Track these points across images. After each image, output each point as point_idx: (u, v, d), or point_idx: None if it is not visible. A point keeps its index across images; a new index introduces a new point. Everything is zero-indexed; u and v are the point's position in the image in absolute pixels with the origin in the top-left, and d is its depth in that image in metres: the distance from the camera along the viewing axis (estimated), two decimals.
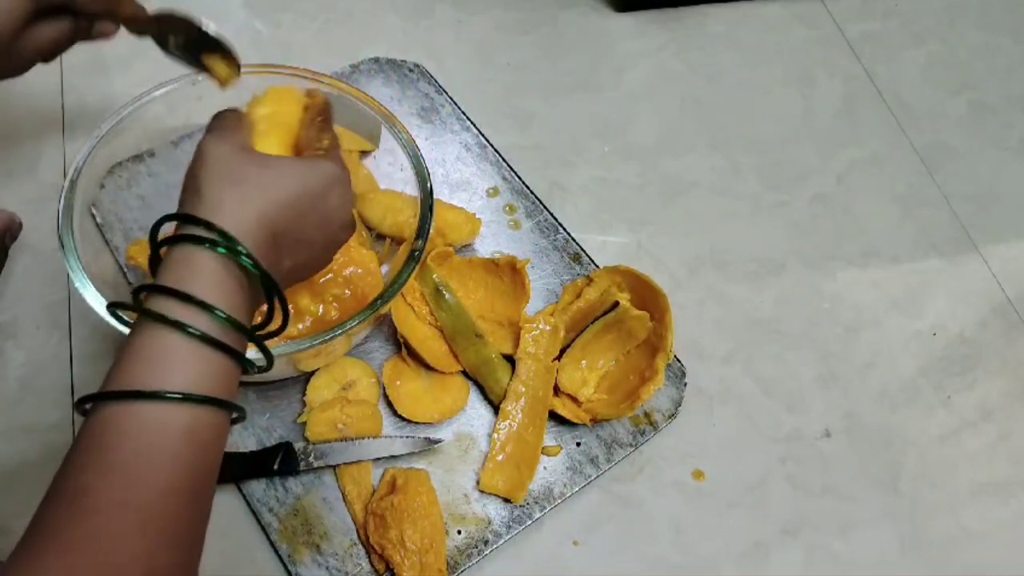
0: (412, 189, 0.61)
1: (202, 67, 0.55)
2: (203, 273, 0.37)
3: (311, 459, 0.60)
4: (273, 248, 0.41)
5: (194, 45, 0.54)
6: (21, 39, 0.47)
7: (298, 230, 0.42)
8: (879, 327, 0.74)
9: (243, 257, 0.38)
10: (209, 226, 0.38)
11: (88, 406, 0.35)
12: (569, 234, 0.74)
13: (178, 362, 0.35)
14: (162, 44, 0.54)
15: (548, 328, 0.66)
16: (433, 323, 0.67)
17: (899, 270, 0.78)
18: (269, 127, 0.48)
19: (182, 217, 0.39)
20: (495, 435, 0.63)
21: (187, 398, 0.35)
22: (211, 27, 0.53)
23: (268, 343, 0.42)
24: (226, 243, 0.38)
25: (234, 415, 0.39)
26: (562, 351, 0.66)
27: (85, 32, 0.52)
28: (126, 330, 0.41)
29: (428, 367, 0.65)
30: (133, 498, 0.33)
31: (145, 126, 0.62)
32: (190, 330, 0.36)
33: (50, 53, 0.51)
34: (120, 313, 0.41)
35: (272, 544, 0.59)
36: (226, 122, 0.46)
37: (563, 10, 0.91)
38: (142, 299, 0.37)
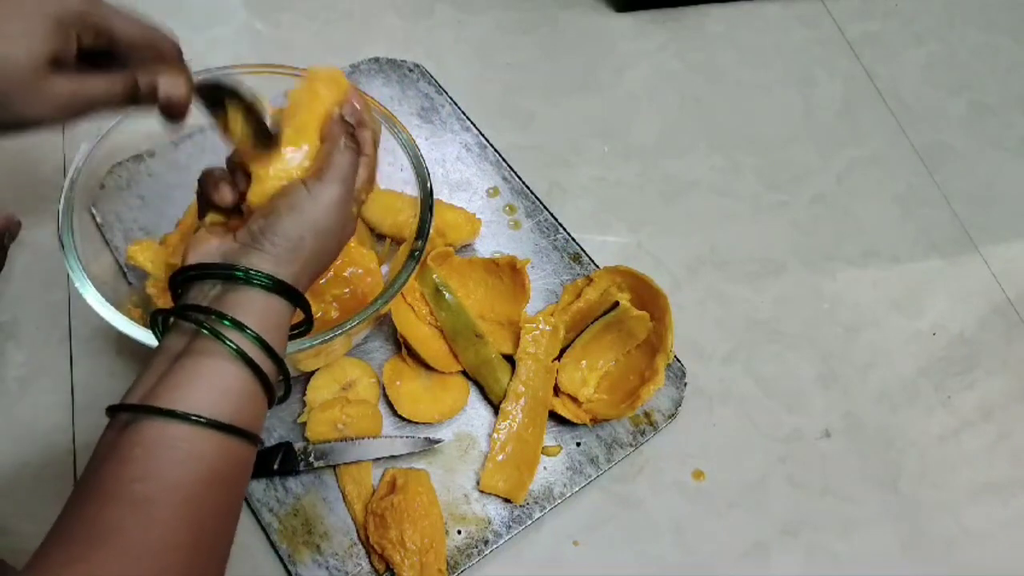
0: (412, 189, 0.61)
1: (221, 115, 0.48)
2: (250, 310, 0.39)
3: (311, 459, 0.60)
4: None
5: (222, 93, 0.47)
6: (35, 93, 0.38)
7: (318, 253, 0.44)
8: (879, 327, 0.74)
9: (281, 293, 0.40)
10: (254, 271, 0.40)
11: (126, 413, 0.36)
12: (569, 234, 0.74)
13: (231, 392, 0.37)
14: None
15: (548, 328, 0.66)
16: (433, 323, 0.67)
17: (899, 270, 0.78)
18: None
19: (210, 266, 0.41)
20: (495, 435, 0.63)
21: (237, 431, 0.37)
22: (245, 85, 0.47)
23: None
24: (271, 284, 0.40)
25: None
26: (562, 351, 0.66)
27: (151, 96, 0.42)
28: (148, 339, 0.42)
29: (428, 367, 0.65)
30: (191, 516, 0.35)
31: (145, 126, 0.61)
32: (228, 343, 0.37)
33: (89, 110, 0.41)
34: (159, 321, 0.41)
35: (272, 544, 0.59)
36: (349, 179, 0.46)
37: (563, 10, 0.91)
38: (202, 319, 0.38)
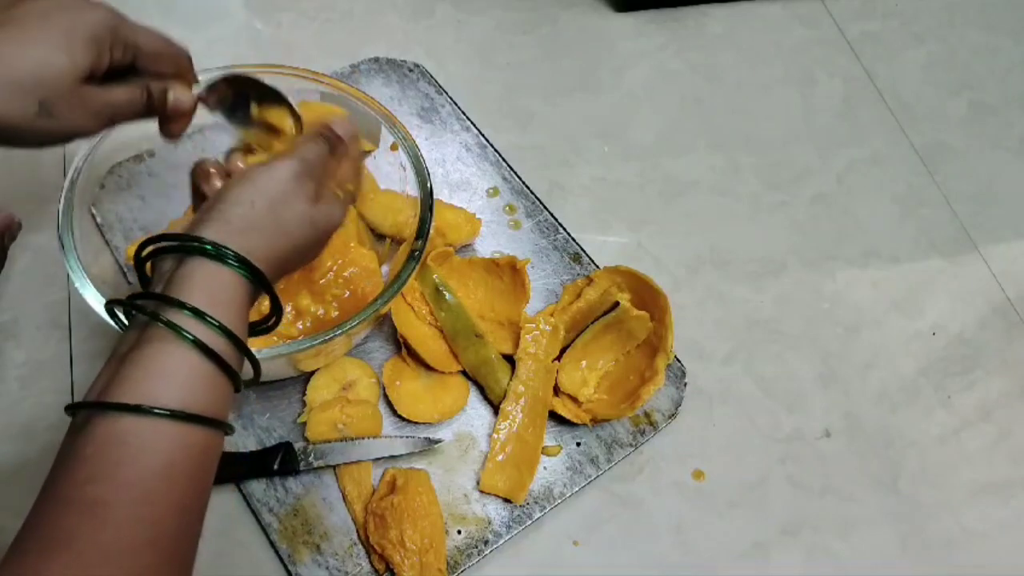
0: (412, 189, 0.61)
1: (246, 125, 0.50)
2: (197, 285, 0.38)
3: (311, 459, 0.60)
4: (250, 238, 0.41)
5: (250, 100, 0.50)
6: (76, 101, 0.40)
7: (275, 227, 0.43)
8: (879, 327, 0.74)
9: (230, 261, 0.38)
10: (199, 239, 0.38)
11: (83, 412, 0.35)
12: (569, 234, 0.74)
13: (179, 377, 0.36)
14: (209, 102, 0.50)
15: (548, 328, 0.66)
16: (433, 323, 0.67)
17: (899, 270, 0.78)
18: None
19: (173, 236, 0.40)
20: (495, 435, 0.63)
21: (193, 418, 0.35)
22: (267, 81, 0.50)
23: (262, 340, 0.43)
24: (215, 249, 0.38)
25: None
26: (562, 351, 0.66)
27: (161, 103, 0.46)
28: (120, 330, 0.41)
29: (428, 367, 0.65)
30: (147, 514, 0.33)
31: (145, 126, 0.61)
32: (184, 334, 0.36)
33: (116, 119, 0.44)
34: (117, 312, 0.41)
35: (272, 544, 0.59)
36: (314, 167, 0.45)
37: (563, 10, 0.91)
38: (143, 305, 0.37)
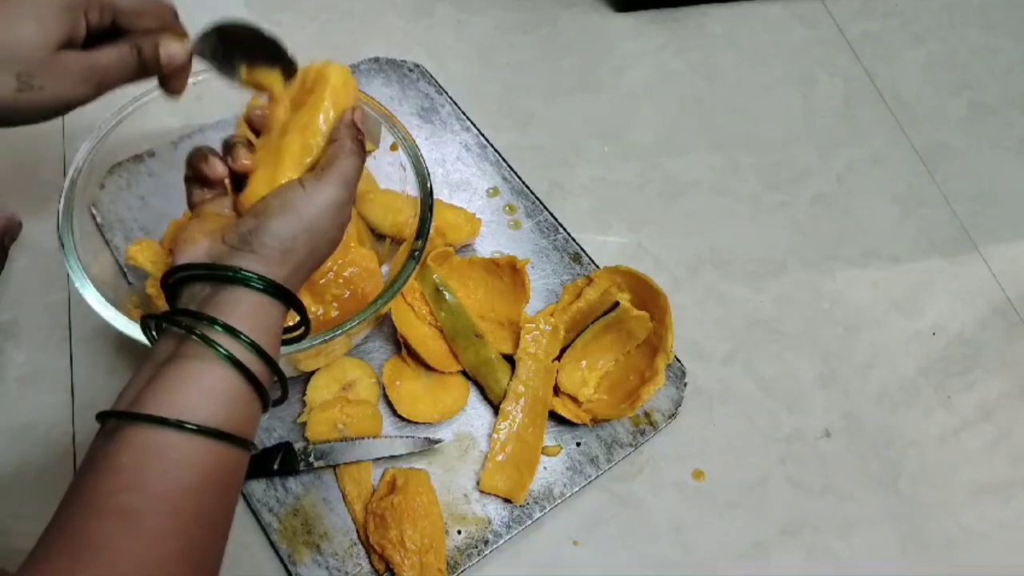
0: (412, 189, 0.61)
1: (238, 75, 0.48)
2: (236, 312, 0.38)
3: (311, 459, 0.60)
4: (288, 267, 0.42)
5: (243, 53, 0.48)
6: (57, 69, 0.40)
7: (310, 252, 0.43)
8: (879, 327, 0.74)
9: (266, 289, 0.39)
10: (236, 270, 0.39)
11: (112, 420, 0.35)
12: (569, 234, 0.74)
13: (215, 394, 0.36)
14: (203, 53, 0.48)
15: (548, 328, 0.66)
16: (433, 323, 0.67)
17: (899, 270, 0.78)
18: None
19: (203, 267, 0.40)
20: (495, 435, 0.63)
21: (226, 436, 0.36)
22: (267, 30, 0.48)
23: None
24: (250, 279, 0.39)
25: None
26: (562, 351, 0.66)
27: (154, 58, 0.44)
28: (146, 341, 0.41)
29: (428, 367, 0.65)
30: (179, 526, 0.34)
31: (145, 126, 0.62)
32: (220, 350, 0.36)
33: (108, 82, 0.43)
34: (149, 326, 0.40)
35: (272, 544, 0.59)
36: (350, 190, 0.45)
37: (563, 10, 0.91)
38: (180, 320, 0.38)
